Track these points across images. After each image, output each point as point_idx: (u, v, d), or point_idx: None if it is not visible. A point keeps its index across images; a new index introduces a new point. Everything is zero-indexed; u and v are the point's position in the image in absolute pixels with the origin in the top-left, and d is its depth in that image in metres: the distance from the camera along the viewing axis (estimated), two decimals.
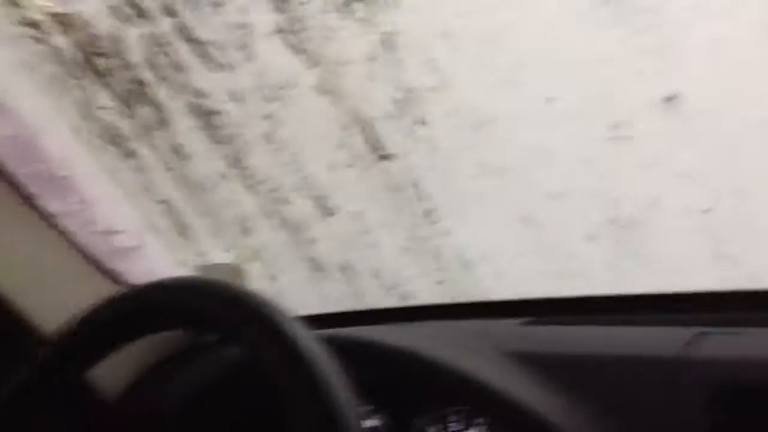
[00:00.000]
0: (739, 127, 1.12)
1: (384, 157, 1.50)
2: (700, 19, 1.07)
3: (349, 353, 0.72)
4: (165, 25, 1.54)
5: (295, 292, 1.74)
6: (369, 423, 0.97)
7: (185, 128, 1.63)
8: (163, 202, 1.74)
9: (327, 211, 1.62)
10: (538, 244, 1.45)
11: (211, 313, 0.75)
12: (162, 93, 1.61)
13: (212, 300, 0.75)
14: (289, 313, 0.73)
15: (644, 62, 1.14)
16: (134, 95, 1.64)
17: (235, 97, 1.56)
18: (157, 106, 1.63)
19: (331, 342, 0.71)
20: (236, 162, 1.64)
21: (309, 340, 0.69)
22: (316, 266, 1.68)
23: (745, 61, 1.08)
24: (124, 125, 1.69)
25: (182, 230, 1.75)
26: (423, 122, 1.42)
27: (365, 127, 1.49)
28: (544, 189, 1.39)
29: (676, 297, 1.07)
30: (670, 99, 1.16)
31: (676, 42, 1.10)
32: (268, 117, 1.55)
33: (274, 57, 1.48)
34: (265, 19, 1.45)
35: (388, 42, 1.37)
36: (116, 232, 1.29)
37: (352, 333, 1.09)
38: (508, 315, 1.15)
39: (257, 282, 1.74)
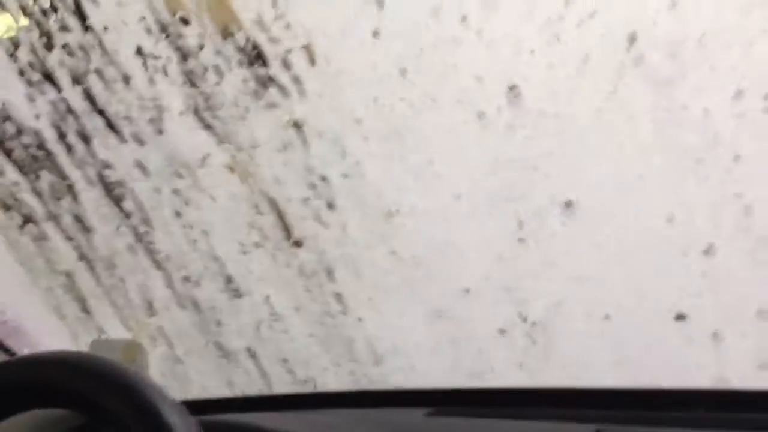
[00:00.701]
0: (632, 234, 1.12)
1: (295, 242, 1.45)
2: (600, 124, 1.07)
3: None
4: (73, 93, 1.48)
5: (200, 375, 1.65)
6: None
7: (90, 200, 1.56)
8: (64, 274, 1.66)
9: (235, 293, 1.55)
10: (448, 338, 1.40)
11: (83, 392, 0.68)
12: (67, 162, 1.55)
13: (85, 379, 0.69)
14: (163, 393, 0.66)
15: (546, 166, 1.13)
16: (38, 163, 1.57)
17: (144, 170, 1.50)
18: (61, 176, 1.56)
19: (215, 428, 0.66)
20: (143, 237, 1.57)
21: (183, 425, 0.63)
22: (223, 350, 1.61)
23: (640, 170, 1.08)
24: (27, 194, 1.61)
25: (83, 304, 1.66)
26: (334, 208, 1.38)
27: (276, 209, 1.44)
28: (454, 283, 1.35)
29: (577, 393, 1.06)
30: (569, 203, 1.14)
31: (577, 148, 1.10)
32: (176, 193, 1.49)
33: (185, 133, 1.43)
34: (177, 95, 1.41)
35: (299, 127, 1.34)
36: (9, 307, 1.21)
37: (240, 419, 1.02)
38: (413, 404, 1.11)
39: (161, 363, 1.65)
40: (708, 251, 1.13)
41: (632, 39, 1.05)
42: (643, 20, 1.05)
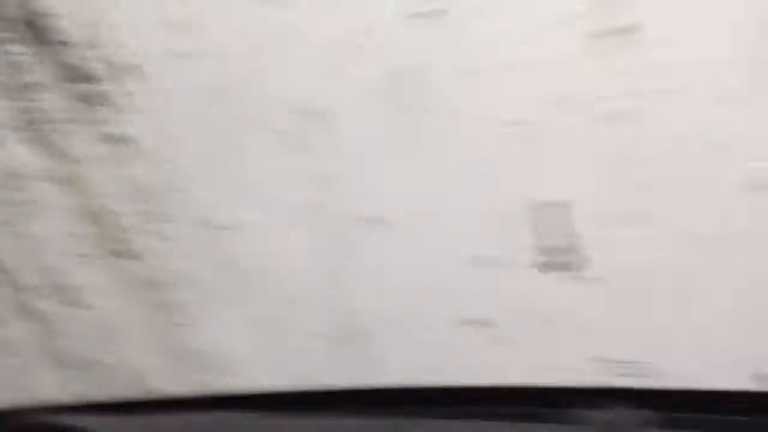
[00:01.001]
0: (432, 247, 1.21)
1: (129, 254, 1.48)
2: (399, 148, 1.16)
3: None
4: None
5: (41, 385, 1.65)
6: None
7: None
8: None
9: (74, 304, 1.56)
10: (280, 348, 1.47)
11: None
12: None
13: None
14: None
15: (356, 183, 1.21)
16: None
17: None
18: None
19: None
20: None
21: None
22: (63, 360, 1.62)
23: (437, 190, 1.17)
24: None
25: None
26: (166, 221, 1.42)
27: (109, 221, 1.47)
28: (282, 294, 1.42)
29: (383, 391, 1.15)
30: (377, 219, 1.23)
31: (380, 169, 1.18)
32: (10, 204, 1.50)
33: (16, 147, 1.44)
34: (7, 109, 1.42)
35: (129, 143, 1.38)
36: None
37: (69, 421, 1.06)
38: (244, 407, 1.18)
39: (1, 373, 1.64)
40: (497, 262, 1.22)
41: (424, 69, 1.14)
42: (437, 50, 1.13)
